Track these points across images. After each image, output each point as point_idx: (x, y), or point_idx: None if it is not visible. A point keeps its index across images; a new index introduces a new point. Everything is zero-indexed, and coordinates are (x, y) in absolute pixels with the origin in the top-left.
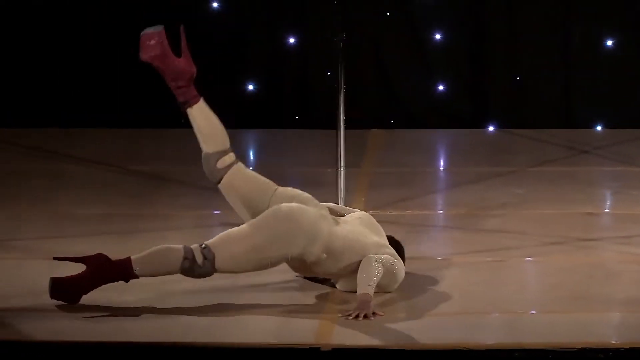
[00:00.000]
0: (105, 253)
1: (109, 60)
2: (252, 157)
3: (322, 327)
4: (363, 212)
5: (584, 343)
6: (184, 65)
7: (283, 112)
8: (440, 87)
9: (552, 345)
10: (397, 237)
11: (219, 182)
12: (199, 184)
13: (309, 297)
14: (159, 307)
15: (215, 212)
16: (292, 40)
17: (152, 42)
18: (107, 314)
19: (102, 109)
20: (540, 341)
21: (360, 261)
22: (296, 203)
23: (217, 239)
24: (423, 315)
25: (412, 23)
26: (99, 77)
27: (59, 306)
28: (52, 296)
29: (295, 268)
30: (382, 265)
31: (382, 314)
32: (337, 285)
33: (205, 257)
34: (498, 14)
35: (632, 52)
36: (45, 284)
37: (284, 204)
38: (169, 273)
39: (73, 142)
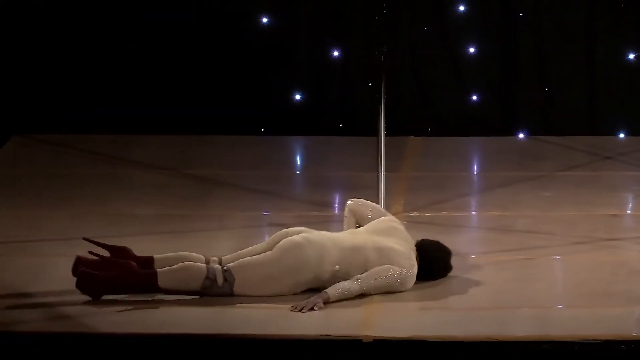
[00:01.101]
0: (159, 251)
1: (164, 71)
2: (298, 162)
3: (364, 320)
4: (383, 218)
5: (607, 335)
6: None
7: (327, 120)
8: (474, 97)
9: (578, 338)
10: (433, 237)
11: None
12: (249, 187)
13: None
14: (214, 303)
15: (265, 212)
16: (336, 53)
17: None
18: (163, 308)
19: (155, 116)
20: (566, 334)
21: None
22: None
23: (237, 264)
24: (458, 309)
25: (447, 37)
26: (155, 87)
27: (116, 300)
28: (78, 286)
29: (316, 287)
30: (360, 287)
31: (320, 308)
32: None
33: (225, 279)
34: (527, 28)
35: None
36: None
37: (291, 237)
38: (189, 290)
39: (130, 147)
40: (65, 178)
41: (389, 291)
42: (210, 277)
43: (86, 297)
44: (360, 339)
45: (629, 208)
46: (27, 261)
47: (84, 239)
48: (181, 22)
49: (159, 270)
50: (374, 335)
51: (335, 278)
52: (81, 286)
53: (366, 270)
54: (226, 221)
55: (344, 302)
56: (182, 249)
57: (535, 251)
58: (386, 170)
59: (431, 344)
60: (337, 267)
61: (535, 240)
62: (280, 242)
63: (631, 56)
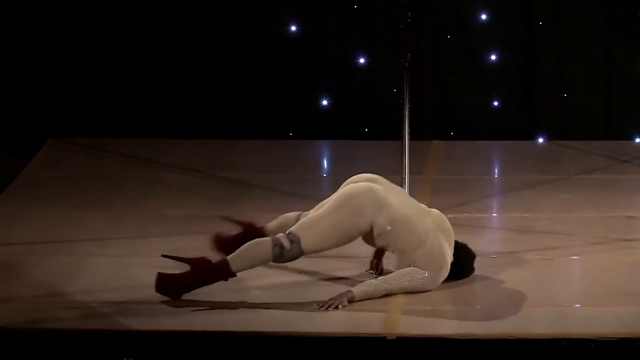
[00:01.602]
0: (190, 250)
1: (197, 76)
2: (325, 166)
3: (388, 318)
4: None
5: (624, 333)
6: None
7: (354, 125)
8: (495, 103)
9: (595, 335)
10: (457, 237)
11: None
12: (279, 189)
13: None
14: (245, 301)
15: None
16: (362, 60)
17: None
18: (193, 306)
19: (186, 120)
20: (584, 331)
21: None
22: (364, 182)
23: (297, 225)
24: (480, 307)
25: (470, 45)
26: (187, 92)
27: (152, 300)
28: (158, 290)
29: (366, 241)
30: (386, 288)
31: (345, 306)
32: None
33: (291, 241)
34: (547, 35)
35: None
36: (141, 278)
37: (354, 184)
38: (263, 263)
39: (162, 151)
40: (99, 180)
41: (414, 292)
42: (277, 244)
43: (119, 296)
44: (385, 337)
45: None
46: (63, 260)
47: (163, 256)
48: (218, 25)
49: (228, 257)
50: (397, 332)
51: (382, 239)
52: (160, 289)
53: (406, 254)
54: (257, 223)
55: (367, 300)
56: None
57: (555, 251)
58: (410, 173)
59: (453, 342)
60: (388, 227)
61: (554, 240)
62: (340, 190)
63: None
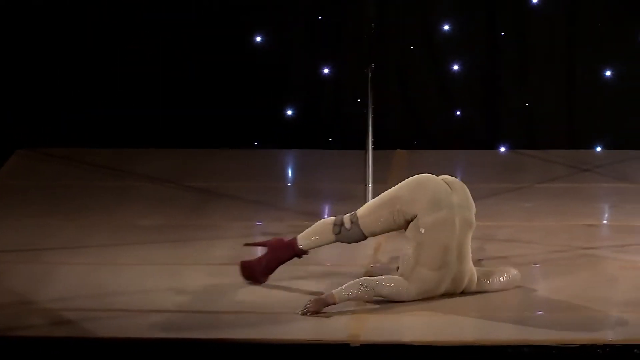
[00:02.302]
0: (160, 258)
1: (161, 89)
2: (290, 175)
3: (353, 325)
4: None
5: (585, 340)
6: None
7: (318, 134)
8: (458, 112)
9: (556, 342)
10: None
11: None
12: (244, 198)
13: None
14: (209, 308)
15: (258, 222)
16: (326, 70)
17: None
18: (163, 314)
19: (156, 130)
20: (546, 338)
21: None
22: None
23: (363, 206)
24: (443, 314)
25: (433, 55)
26: (154, 104)
27: (121, 308)
28: (244, 277)
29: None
30: (368, 294)
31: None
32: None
33: (352, 222)
34: (510, 46)
35: (628, 80)
36: (111, 286)
37: (425, 174)
38: (327, 242)
39: (133, 161)
40: (71, 190)
41: (390, 299)
42: (337, 224)
43: (88, 304)
44: (348, 344)
45: (605, 218)
46: (34, 268)
47: (245, 244)
48: (185, 36)
49: (298, 235)
50: (361, 340)
51: (412, 232)
52: (246, 275)
53: (410, 262)
54: (222, 230)
55: (332, 306)
56: (182, 257)
57: (517, 259)
58: (374, 182)
59: (416, 348)
60: (422, 230)
61: (516, 248)
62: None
63: (608, 73)
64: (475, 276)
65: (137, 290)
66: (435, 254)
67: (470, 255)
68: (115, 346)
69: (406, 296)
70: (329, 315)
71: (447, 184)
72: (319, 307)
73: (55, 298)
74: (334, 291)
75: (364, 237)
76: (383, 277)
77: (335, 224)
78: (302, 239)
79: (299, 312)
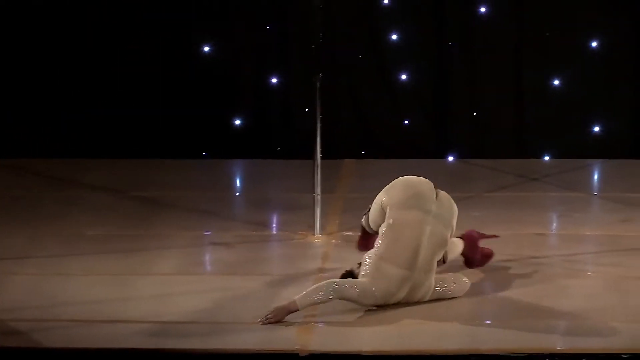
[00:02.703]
0: (109, 268)
1: (111, 98)
2: (238, 184)
3: (302, 334)
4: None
5: (533, 349)
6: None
7: (267, 143)
8: (406, 122)
9: (505, 351)
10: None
11: None
12: (194, 208)
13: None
14: (158, 318)
15: (207, 232)
16: (275, 80)
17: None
18: (112, 324)
19: (104, 141)
20: (494, 347)
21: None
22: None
23: None
24: (391, 324)
25: (382, 64)
26: (102, 114)
27: (70, 318)
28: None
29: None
30: (335, 293)
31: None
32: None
33: (366, 212)
34: (458, 55)
35: (575, 91)
36: (59, 296)
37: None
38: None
39: (81, 171)
40: (19, 200)
41: (351, 301)
42: (365, 212)
43: (38, 314)
44: (297, 353)
45: (554, 227)
46: None
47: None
48: (134, 44)
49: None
50: (310, 349)
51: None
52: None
53: (371, 253)
54: (171, 240)
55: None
56: (130, 266)
57: (465, 268)
58: (322, 191)
59: (364, 358)
60: (390, 221)
61: None
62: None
63: (556, 82)
64: (432, 290)
65: (87, 300)
66: (400, 251)
67: (435, 271)
68: (65, 356)
69: (371, 298)
70: (278, 324)
71: (435, 193)
72: (281, 315)
73: (5, 308)
74: (295, 298)
75: (372, 230)
76: (348, 279)
77: (365, 213)
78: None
79: (260, 322)
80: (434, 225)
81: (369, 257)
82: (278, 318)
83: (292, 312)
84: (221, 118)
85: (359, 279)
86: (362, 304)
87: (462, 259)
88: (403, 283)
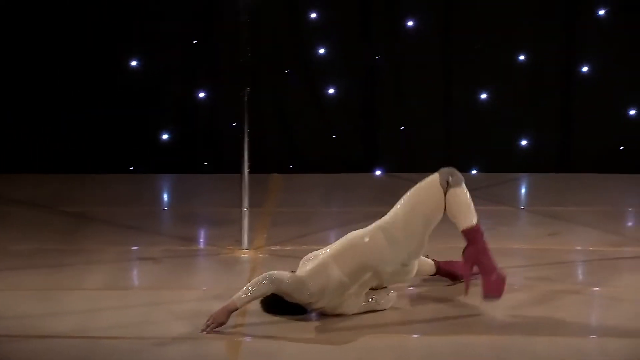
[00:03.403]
0: (35, 284)
1: (36, 112)
2: (166, 199)
3: (229, 348)
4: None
5: None
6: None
7: (194, 158)
8: (334, 136)
9: None
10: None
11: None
12: (121, 223)
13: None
14: (85, 333)
15: (134, 247)
16: (202, 94)
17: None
18: (39, 339)
19: (31, 156)
20: None
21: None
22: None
23: None
24: (318, 338)
25: (309, 79)
26: (28, 128)
27: None
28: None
29: None
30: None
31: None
32: None
33: None
34: (385, 69)
35: (503, 105)
36: None
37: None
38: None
39: (7, 186)
40: None
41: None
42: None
43: None
44: None
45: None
46: None
47: None
48: (58, 60)
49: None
50: None
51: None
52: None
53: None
54: (98, 255)
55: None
56: (57, 282)
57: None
58: (250, 206)
59: None
60: (366, 239)
61: None
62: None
63: (483, 96)
64: (360, 304)
65: (13, 315)
66: (350, 260)
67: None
68: None
69: (306, 292)
70: (205, 337)
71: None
72: (221, 318)
73: None
74: (233, 297)
75: None
76: (285, 272)
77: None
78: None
79: (203, 332)
80: (383, 268)
81: (318, 254)
82: (219, 321)
83: (232, 312)
84: (148, 132)
85: (296, 273)
86: (296, 298)
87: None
88: (339, 288)
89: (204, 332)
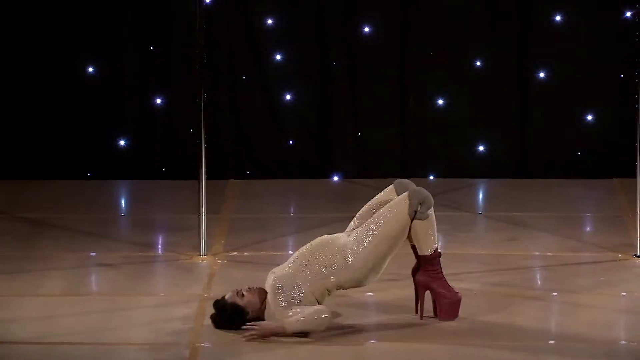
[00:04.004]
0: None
1: None
2: (123, 205)
3: (190, 356)
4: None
5: None
6: None
7: (151, 164)
8: (290, 142)
9: None
10: (252, 275)
11: None
12: (77, 229)
13: (176, 324)
14: (43, 339)
15: (92, 254)
16: (159, 100)
17: None
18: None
19: None
20: None
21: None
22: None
23: None
24: (285, 342)
25: (265, 85)
26: None
27: None
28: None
29: None
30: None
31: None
32: None
33: None
34: (341, 75)
35: (460, 110)
36: None
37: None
38: None
39: None
40: None
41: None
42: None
43: None
44: None
45: (439, 247)
46: None
47: None
48: (17, 65)
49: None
50: None
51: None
52: None
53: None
54: (56, 262)
55: (170, 338)
56: (15, 288)
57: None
58: (208, 212)
59: None
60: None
61: None
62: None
63: (440, 101)
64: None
65: None
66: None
67: None
68: None
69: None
70: (163, 345)
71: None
72: (266, 334)
73: None
74: (285, 322)
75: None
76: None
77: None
78: None
79: (245, 338)
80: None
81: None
82: (262, 334)
83: (276, 335)
84: (105, 138)
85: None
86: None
87: None
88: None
89: (245, 339)
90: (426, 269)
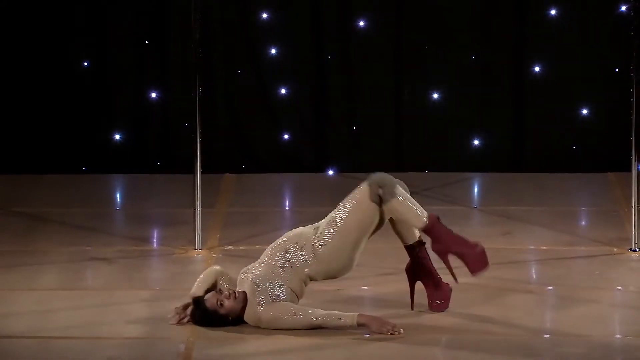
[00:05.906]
0: None
1: None
2: (119, 200)
3: (184, 349)
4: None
5: None
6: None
7: (147, 158)
8: (286, 136)
9: None
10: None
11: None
12: (73, 223)
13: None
14: (38, 333)
15: (87, 248)
16: (154, 95)
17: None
18: None
19: None
20: None
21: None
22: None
23: None
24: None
25: (261, 79)
26: None
27: None
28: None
29: None
30: None
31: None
32: None
33: None
34: (336, 69)
35: (455, 105)
36: None
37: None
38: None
39: None
40: None
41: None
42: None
43: None
44: None
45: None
46: None
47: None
48: (10, 62)
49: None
50: None
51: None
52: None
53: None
54: (51, 256)
55: (164, 332)
56: (10, 282)
57: (346, 282)
58: (202, 206)
59: None
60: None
61: None
62: None
63: (435, 96)
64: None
65: None
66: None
67: None
68: None
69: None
70: (158, 339)
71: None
72: (378, 327)
73: None
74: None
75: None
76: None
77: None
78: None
79: (390, 332)
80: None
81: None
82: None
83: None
84: (101, 133)
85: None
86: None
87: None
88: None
89: (389, 333)
90: (434, 239)
